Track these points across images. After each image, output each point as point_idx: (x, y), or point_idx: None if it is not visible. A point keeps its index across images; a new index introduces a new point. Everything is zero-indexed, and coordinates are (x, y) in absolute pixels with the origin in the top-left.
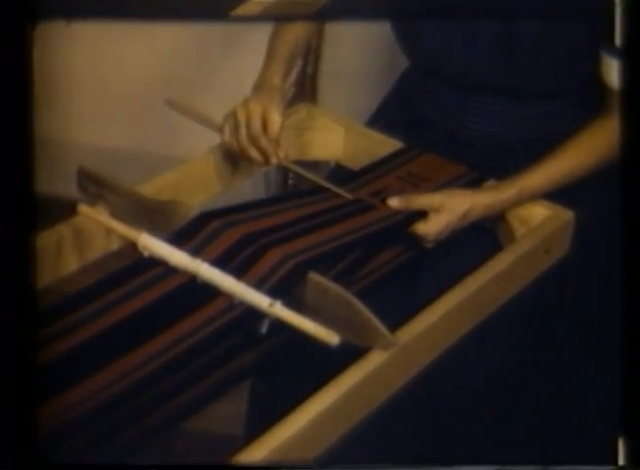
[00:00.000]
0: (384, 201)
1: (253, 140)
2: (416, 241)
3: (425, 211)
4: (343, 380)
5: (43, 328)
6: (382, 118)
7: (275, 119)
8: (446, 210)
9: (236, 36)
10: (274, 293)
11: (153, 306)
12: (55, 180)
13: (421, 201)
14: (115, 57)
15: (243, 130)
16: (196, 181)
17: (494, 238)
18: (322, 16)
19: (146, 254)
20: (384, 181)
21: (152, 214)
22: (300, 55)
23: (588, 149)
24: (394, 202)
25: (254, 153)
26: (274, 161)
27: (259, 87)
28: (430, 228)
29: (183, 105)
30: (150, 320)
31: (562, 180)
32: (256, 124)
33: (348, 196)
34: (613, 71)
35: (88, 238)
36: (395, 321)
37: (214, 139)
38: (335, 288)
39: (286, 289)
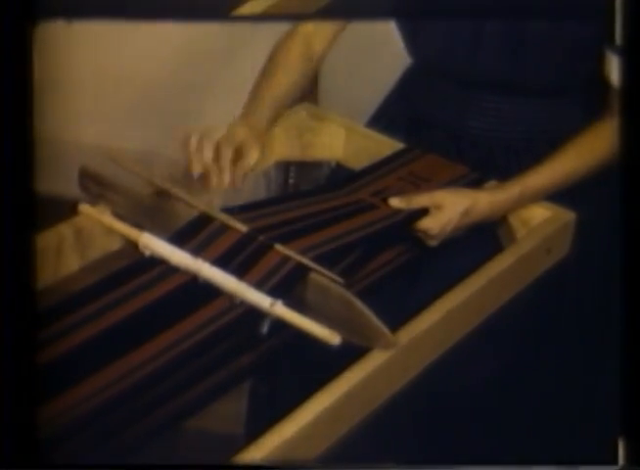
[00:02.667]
0: (385, 200)
1: (220, 155)
2: (417, 241)
3: (426, 210)
4: (344, 380)
5: (44, 328)
6: (383, 118)
7: (253, 153)
8: (448, 206)
9: (237, 36)
10: (275, 293)
11: (154, 306)
12: (55, 180)
13: (422, 199)
14: (116, 57)
15: (212, 142)
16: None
17: (495, 238)
18: (322, 16)
19: (147, 253)
20: (385, 181)
21: (153, 214)
22: (291, 102)
23: (591, 149)
24: (396, 201)
25: (212, 168)
26: (225, 182)
27: (244, 124)
28: (432, 224)
29: (121, 157)
30: (151, 320)
31: (565, 180)
32: (230, 145)
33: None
34: (616, 70)
35: (89, 238)
36: (396, 321)
37: None
38: (336, 288)
39: (287, 289)
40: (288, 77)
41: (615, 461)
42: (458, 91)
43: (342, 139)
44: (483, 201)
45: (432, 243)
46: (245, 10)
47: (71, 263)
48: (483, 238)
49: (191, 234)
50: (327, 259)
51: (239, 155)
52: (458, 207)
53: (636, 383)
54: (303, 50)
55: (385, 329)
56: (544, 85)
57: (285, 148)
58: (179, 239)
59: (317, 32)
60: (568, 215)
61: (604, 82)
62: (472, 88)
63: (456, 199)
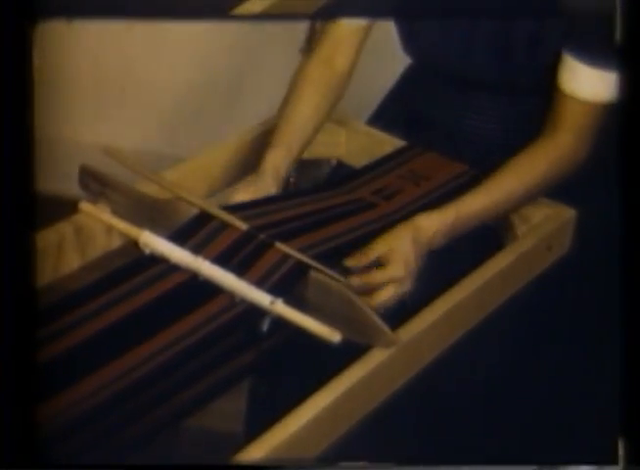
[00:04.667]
0: (385, 199)
1: None
2: None
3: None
4: (345, 378)
5: (43, 326)
6: (383, 117)
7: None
8: (395, 245)
9: (237, 35)
10: (275, 291)
11: (154, 304)
12: (55, 179)
13: (371, 253)
14: (116, 56)
15: None
16: (197, 180)
17: (496, 236)
18: (322, 15)
19: (147, 251)
20: (385, 180)
21: (153, 212)
22: (309, 140)
23: (529, 169)
24: (353, 261)
25: None
26: None
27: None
28: (395, 269)
29: (120, 153)
30: (151, 318)
31: (504, 202)
32: None
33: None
34: (573, 75)
35: (89, 236)
36: (397, 319)
37: (214, 138)
38: (336, 286)
39: (287, 287)
40: (310, 106)
41: (615, 461)
42: (456, 90)
43: (343, 137)
44: (423, 223)
45: (406, 289)
46: (244, 9)
47: (72, 262)
48: (484, 236)
49: (191, 232)
50: (327, 258)
51: None
52: (404, 239)
53: (636, 383)
54: (324, 73)
55: (385, 327)
56: (539, 84)
57: None
58: (179, 237)
59: (337, 51)
60: (568, 213)
61: (552, 89)
62: (468, 87)
63: (396, 234)
